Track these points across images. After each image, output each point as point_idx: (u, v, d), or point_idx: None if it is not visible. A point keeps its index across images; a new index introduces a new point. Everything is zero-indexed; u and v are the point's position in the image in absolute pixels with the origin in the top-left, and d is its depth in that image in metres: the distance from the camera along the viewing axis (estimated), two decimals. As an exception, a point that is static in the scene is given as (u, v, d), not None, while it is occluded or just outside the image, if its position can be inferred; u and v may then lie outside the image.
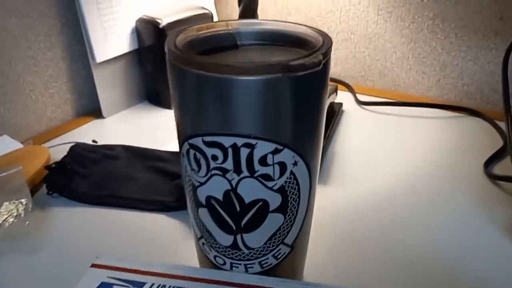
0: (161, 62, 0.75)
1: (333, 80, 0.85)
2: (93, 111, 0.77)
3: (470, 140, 0.68)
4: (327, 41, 0.32)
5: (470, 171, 0.60)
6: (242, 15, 0.68)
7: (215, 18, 0.83)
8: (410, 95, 0.84)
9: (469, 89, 0.80)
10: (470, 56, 0.77)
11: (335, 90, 0.75)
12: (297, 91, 0.30)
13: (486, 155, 0.62)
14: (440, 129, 0.71)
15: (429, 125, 0.72)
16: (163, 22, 0.72)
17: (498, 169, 0.60)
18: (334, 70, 0.91)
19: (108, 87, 0.76)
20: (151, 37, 0.75)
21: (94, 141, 0.67)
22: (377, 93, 0.84)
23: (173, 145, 0.64)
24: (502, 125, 0.69)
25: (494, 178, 0.58)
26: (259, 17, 0.71)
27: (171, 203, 0.53)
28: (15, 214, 0.49)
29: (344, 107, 0.78)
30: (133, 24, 0.76)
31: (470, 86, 0.80)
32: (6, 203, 0.49)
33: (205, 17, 0.77)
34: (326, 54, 0.31)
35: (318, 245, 0.46)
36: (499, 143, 0.66)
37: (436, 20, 0.78)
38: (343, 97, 0.81)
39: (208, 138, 0.31)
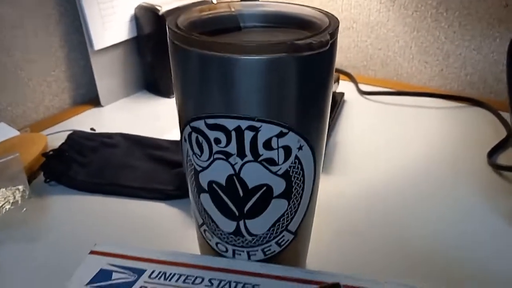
0: (160, 50, 0.74)
1: (334, 69, 0.84)
2: (91, 100, 0.76)
3: (473, 130, 0.67)
4: (333, 22, 0.31)
5: (474, 162, 0.59)
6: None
7: (215, 6, 0.82)
8: (412, 85, 0.84)
9: (472, 79, 0.79)
10: (474, 45, 0.76)
11: (336, 80, 0.74)
12: (303, 72, 0.29)
13: (489, 145, 0.61)
14: (442, 119, 0.70)
15: (431, 115, 0.71)
16: (163, 9, 0.71)
17: (502, 159, 0.60)
18: (336, 59, 0.90)
19: (106, 76, 0.75)
20: (150, 25, 0.73)
21: (92, 129, 0.66)
22: (379, 82, 0.83)
23: (172, 134, 0.64)
24: (506, 115, 0.69)
25: (498, 168, 0.57)
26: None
27: (171, 192, 0.52)
28: (11, 200, 0.48)
29: (346, 97, 0.77)
30: (132, 11, 0.74)
31: (473, 76, 0.79)
32: (2, 190, 0.48)
33: (205, 4, 0.76)
34: (333, 35, 0.30)
35: (320, 233, 0.45)
36: (503, 133, 0.65)
37: (440, 9, 0.77)
38: (345, 86, 0.80)
39: (211, 121, 0.30)
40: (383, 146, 0.63)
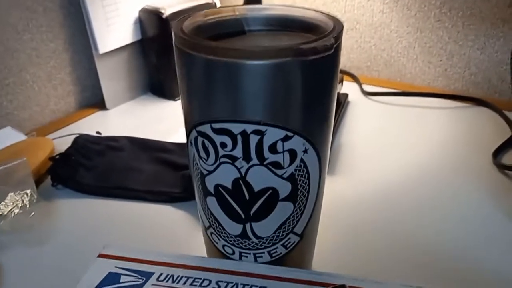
0: (164, 53, 0.74)
1: (338, 70, 0.84)
2: (97, 103, 0.77)
3: (478, 130, 0.67)
4: (338, 25, 0.32)
5: (479, 162, 0.59)
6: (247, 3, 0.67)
7: (219, 8, 0.82)
8: (416, 85, 0.83)
9: (476, 79, 0.79)
10: (478, 45, 0.76)
11: (340, 81, 0.74)
12: (308, 76, 0.29)
13: (494, 145, 0.61)
14: (447, 119, 0.70)
15: (435, 115, 0.71)
16: (167, 12, 0.72)
17: (507, 159, 0.60)
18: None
19: (112, 79, 0.75)
20: (154, 28, 0.74)
21: (98, 132, 0.66)
22: (383, 83, 0.83)
23: (177, 137, 0.64)
24: (510, 114, 0.69)
25: (503, 168, 0.57)
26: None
27: (177, 194, 0.52)
28: (20, 205, 0.48)
29: (349, 98, 0.77)
30: (136, 14, 0.75)
31: (477, 76, 0.79)
32: (11, 194, 0.48)
33: (209, 7, 0.77)
34: (338, 38, 0.30)
35: (326, 235, 0.45)
36: (507, 132, 0.65)
37: (443, 9, 0.77)
38: (348, 87, 0.80)
39: (217, 125, 0.31)
40: (387, 147, 0.63)
